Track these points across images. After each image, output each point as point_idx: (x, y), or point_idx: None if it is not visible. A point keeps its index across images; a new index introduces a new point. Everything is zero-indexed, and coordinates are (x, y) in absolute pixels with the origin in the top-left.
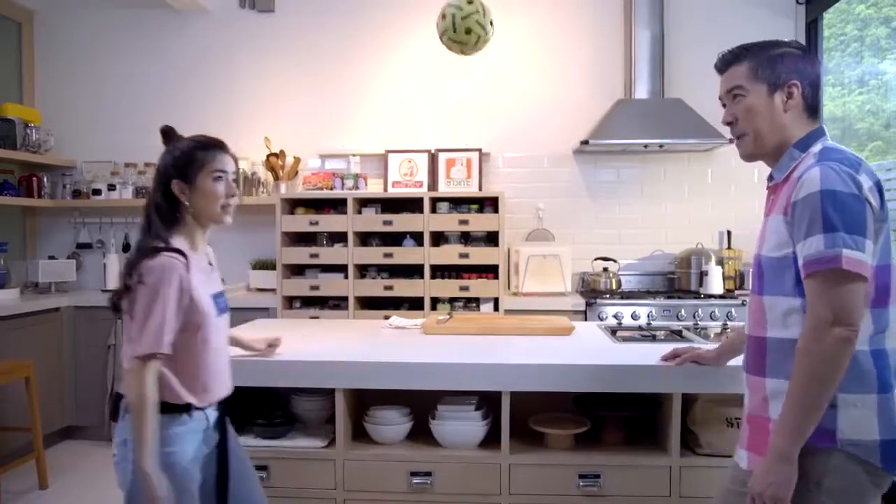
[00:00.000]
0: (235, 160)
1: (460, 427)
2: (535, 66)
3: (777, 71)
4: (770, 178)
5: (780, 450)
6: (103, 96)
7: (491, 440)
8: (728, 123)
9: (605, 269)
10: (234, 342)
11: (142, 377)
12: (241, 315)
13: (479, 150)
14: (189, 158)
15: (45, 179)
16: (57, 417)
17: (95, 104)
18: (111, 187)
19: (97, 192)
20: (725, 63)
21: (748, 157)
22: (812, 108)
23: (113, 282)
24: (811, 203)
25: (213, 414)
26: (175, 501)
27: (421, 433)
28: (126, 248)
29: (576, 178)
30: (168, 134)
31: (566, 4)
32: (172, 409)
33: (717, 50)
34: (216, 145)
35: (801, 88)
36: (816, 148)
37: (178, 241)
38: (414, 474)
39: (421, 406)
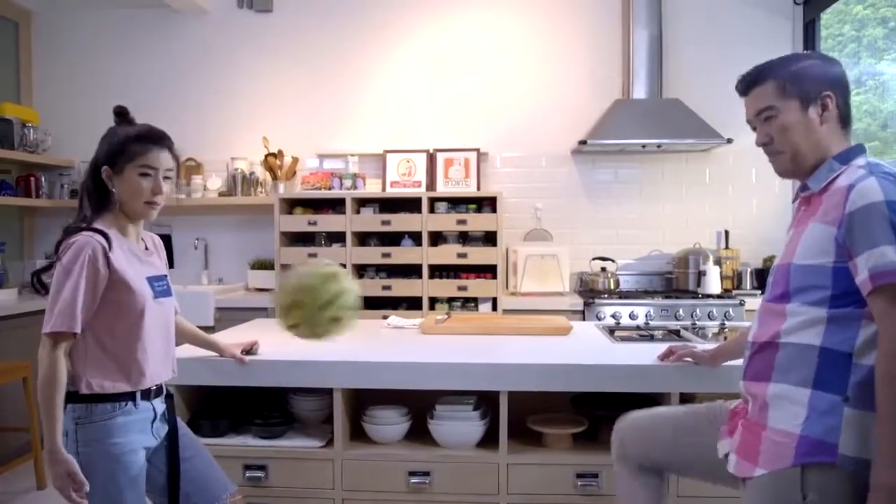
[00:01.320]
0: (176, 157)
1: (458, 427)
2: (533, 67)
3: (806, 84)
4: (804, 188)
5: (887, 485)
6: (101, 96)
7: (489, 440)
8: (763, 144)
9: (603, 269)
10: (212, 347)
11: (52, 356)
12: (239, 315)
13: (478, 150)
14: (121, 149)
15: (43, 179)
16: None
17: (93, 104)
18: None
19: None
20: (748, 84)
21: (787, 173)
22: (845, 117)
23: None
24: (875, 214)
25: (160, 406)
26: (121, 493)
27: (419, 433)
28: None
29: (574, 178)
30: (122, 115)
31: (564, 4)
32: (115, 398)
33: (716, 50)
34: (153, 140)
35: (834, 99)
36: (860, 161)
37: (104, 224)
38: (412, 474)
39: (419, 406)
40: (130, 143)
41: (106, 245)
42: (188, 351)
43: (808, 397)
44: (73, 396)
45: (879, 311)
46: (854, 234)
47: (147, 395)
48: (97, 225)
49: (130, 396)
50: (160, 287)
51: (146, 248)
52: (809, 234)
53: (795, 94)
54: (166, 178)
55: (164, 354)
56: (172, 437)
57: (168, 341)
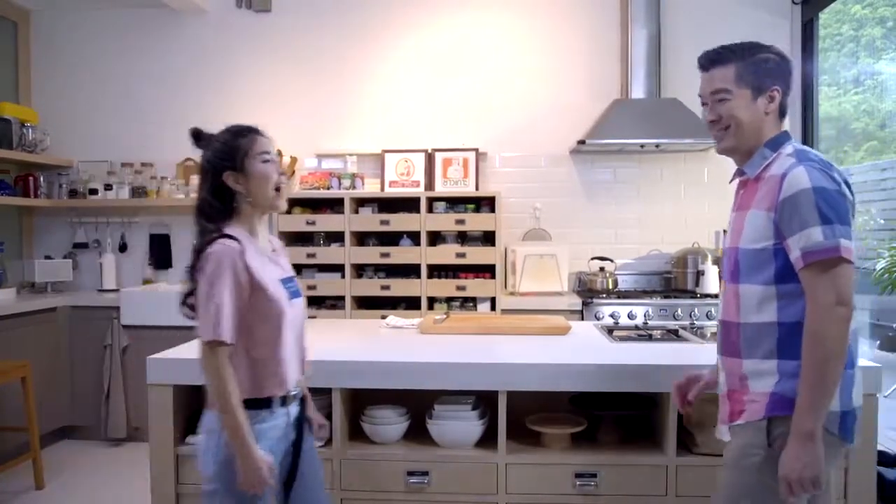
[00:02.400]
0: (273, 142)
1: (457, 426)
2: (532, 66)
3: (761, 77)
4: (740, 172)
5: (806, 430)
6: (100, 96)
7: (488, 440)
8: (712, 122)
9: (602, 269)
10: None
11: (216, 366)
12: None
13: (476, 150)
14: (233, 147)
15: (42, 179)
16: (53, 417)
17: (92, 104)
18: (108, 187)
19: (94, 191)
20: (711, 62)
21: (728, 150)
22: (784, 111)
23: (110, 281)
24: (804, 199)
25: (294, 410)
26: (249, 497)
27: (418, 433)
28: (122, 248)
29: (572, 177)
30: (198, 135)
31: (563, 4)
32: (256, 404)
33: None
34: (251, 130)
35: (780, 94)
36: (788, 149)
37: (233, 230)
38: (411, 474)
39: (418, 405)
40: (238, 139)
41: (241, 248)
42: (189, 351)
43: (776, 366)
44: None
45: (808, 282)
46: (786, 217)
47: (284, 400)
48: (227, 231)
49: (268, 403)
50: (292, 288)
51: (273, 250)
52: (750, 220)
53: (749, 84)
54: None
55: (299, 356)
56: (297, 446)
57: (300, 343)
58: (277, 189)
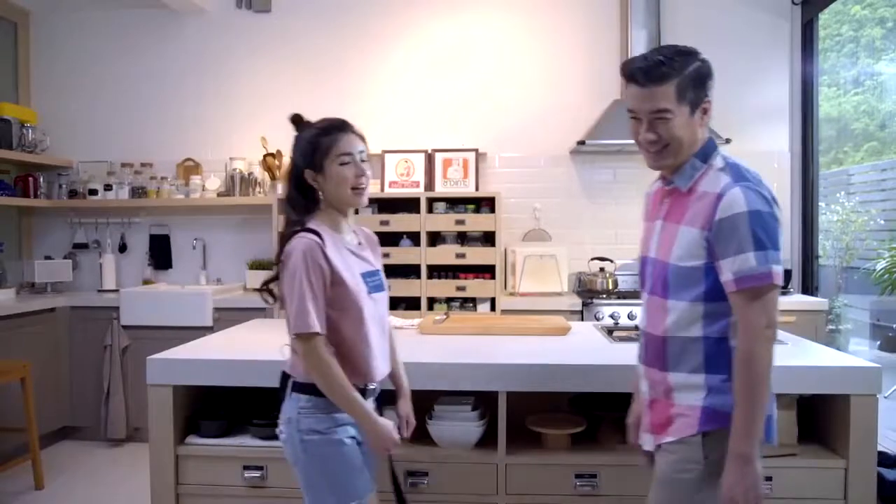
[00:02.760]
0: (362, 138)
1: (457, 427)
2: (532, 67)
3: (697, 91)
4: (668, 181)
5: (745, 454)
6: (99, 96)
7: (487, 440)
8: (651, 142)
9: (602, 270)
10: (395, 380)
11: (314, 354)
12: (237, 315)
13: (476, 151)
14: (314, 146)
15: (42, 179)
16: (53, 418)
17: (92, 104)
18: (107, 187)
19: (93, 192)
20: (648, 78)
21: (665, 167)
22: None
23: (109, 282)
24: (740, 223)
25: (371, 405)
26: (347, 479)
27: (417, 433)
28: (122, 248)
29: (572, 178)
30: (297, 121)
31: (563, 4)
32: None
33: (714, 49)
34: (338, 128)
35: (710, 104)
36: (718, 161)
37: (316, 224)
38: (411, 474)
39: (418, 406)
40: (319, 138)
41: (321, 242)
42: (189, 351)
43: (703, 380)
44: (298, 386)
45: (740, 307)
46: (721, 239)
47: (363, 393)
48: (311, 225)
49: None
50: (373, 282)
51: (359, 244)
52: (682, 238)
53: (688, 101)
54: (362, 160)
55: (383, 350)
56: None
57: (383, 336)
58: (354, 189)
